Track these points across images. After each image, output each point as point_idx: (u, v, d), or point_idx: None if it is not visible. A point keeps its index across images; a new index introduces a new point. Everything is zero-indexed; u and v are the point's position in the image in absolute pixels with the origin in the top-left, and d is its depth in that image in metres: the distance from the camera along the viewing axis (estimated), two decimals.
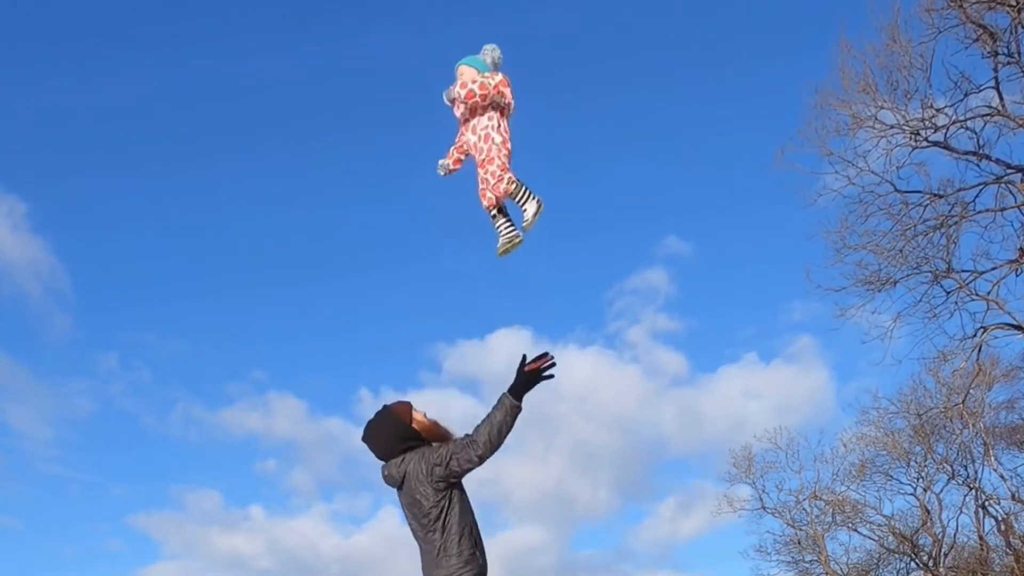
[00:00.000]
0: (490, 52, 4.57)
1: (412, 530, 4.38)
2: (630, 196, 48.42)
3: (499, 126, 4.48)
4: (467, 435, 4.26)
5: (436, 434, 4.46)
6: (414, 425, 4.42)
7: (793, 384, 38.22)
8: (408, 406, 4.50)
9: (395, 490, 4.43)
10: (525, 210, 4.42)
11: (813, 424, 51.50)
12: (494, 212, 4.52)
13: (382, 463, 4.46)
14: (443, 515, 4.24)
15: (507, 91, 4.48)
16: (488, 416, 4.18)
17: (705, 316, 46.90)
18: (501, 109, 4.51)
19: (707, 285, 46.94)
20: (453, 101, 4.50)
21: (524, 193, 4.41)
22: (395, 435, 4.38)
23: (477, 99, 4.42)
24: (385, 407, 4.50)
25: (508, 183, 4.39)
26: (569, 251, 48.11)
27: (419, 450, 4.33)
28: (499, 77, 4.48)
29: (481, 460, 4.18)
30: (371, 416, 4.51)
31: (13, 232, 38.71)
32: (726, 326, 49.21)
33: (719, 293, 47.31)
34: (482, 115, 4.51)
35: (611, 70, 48.46)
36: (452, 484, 4.25)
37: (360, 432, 4.51)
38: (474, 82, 4.41)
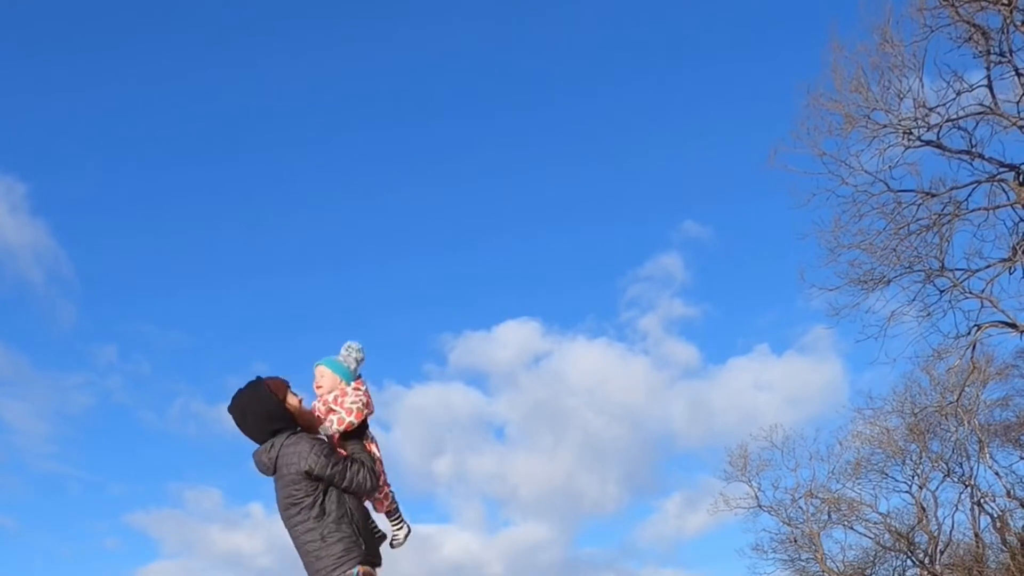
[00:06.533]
0: (355, 352, 4.50)
1: (286, 522, 4.13)
2: (645, 181, 48.14)
3: (373, 439, 4.45)
4: (352, 460, 4.14)
5: (306, 420, 4.26)
6: (288, 406, 4.20)
7: (807, 376, 37.93)
8: (284, 384, 4.28)
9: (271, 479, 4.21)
10: (396, 536, 4.53)
11: (826, 417, 51.14)
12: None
13: (254, 451, 4.23)
14: (318, 501, 4.03)
15: (371, 401, 4.45)
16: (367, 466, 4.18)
17: (722, 302, 46.56)
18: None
19: (725, 271, 46.65)
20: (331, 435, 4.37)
21: (397, 516, 4.55)
22: (266, 412, 4.14)
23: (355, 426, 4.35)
24: (258, 379, 4.25)
25: (392, 502, 4.51)
26: (579, 239, 47.83)
27: (293, 438, 4.11)
28: (363, 389, 4.43)
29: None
30: (241, 387, 4.25)
31: (12, 214, 38.31)
32: (743, 313, 48.70)
33: (737, 279, 46.99)
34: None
35: (617, 65, 48.42)
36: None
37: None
38: (350, 410, 4.31)
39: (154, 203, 49.18)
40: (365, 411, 4.35)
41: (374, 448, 4.39)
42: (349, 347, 4.50)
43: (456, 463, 42.56)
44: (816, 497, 27.61)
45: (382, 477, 4.41)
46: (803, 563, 28.46)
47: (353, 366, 4.46)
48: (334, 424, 4.28)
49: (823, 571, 27.60)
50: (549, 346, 44.38)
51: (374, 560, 4.19)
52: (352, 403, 4.32)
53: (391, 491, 4.51)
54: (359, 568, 4.00)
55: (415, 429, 43.80)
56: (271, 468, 4.13)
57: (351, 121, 49.95)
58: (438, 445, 44.35)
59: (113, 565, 40.04)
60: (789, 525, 28.27)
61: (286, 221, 50.42)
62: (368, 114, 50.49)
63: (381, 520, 4.52)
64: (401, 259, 50.84)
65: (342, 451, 4.26)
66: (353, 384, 4.42)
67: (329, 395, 4.36)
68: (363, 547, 4.06)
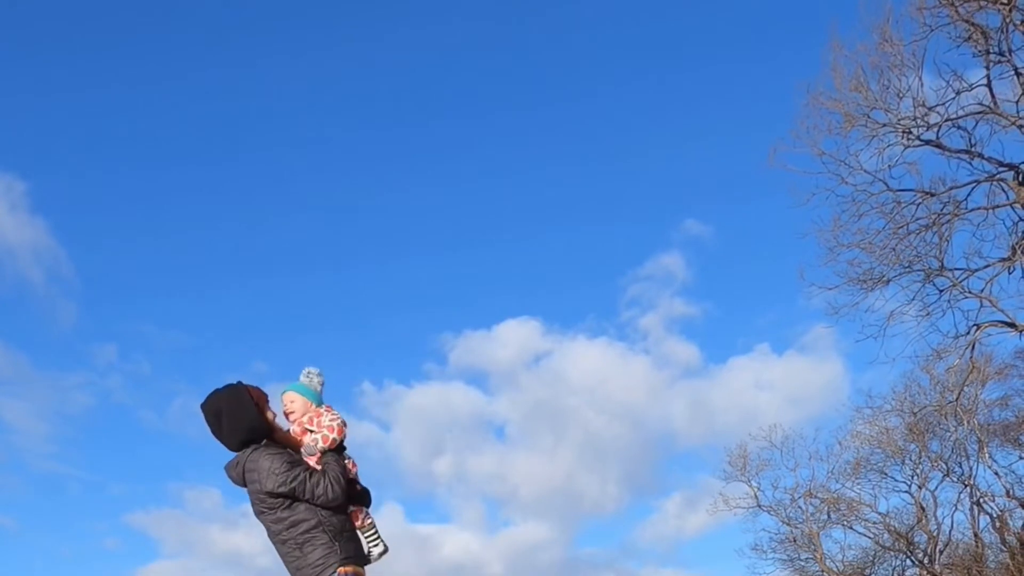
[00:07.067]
0: (315, 377, 4.49)
1: (266, 529, 4.16)
2: (645, 181, 48.08)
3: (350, 458, 4.45)
4: (312, 472, 4.06)
5: (280, 437, 4.24)
6: (265, 420, 4.17)
7: (807, 375, 37.88)
8: (265, 397, 4.23)
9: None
10: (371, 552, 4.41)
11: (827, 417, 51.00)
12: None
13: (226, 465, 4.21)
14: (289, 515, 4.02)
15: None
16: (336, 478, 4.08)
17: (723, 301, 46.52)
18: None
19: (725, 270, 46.62)
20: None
21: (374, 533, 4.46)
22: (244, 422, 4.08)
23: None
24: (241, 385, 4.17)
25: (367, 516, 4.44)
26: (579, 239, 47.83)
27: (255, 455, 4.06)
28: (335, 411, 4.43)
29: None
30: (220, 391, 4.13)
31: (11, 212, 38.20)
32: (744, 312, 48.51)
33: (738, 278, 46.97)
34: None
35: (617, 65, 48.38)
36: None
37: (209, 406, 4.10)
38: (331, 427, 4.30)
39: (154, 203, 49.28)
40: (344, 428, 4.37)
41: (349, 465, 4.40)
42: (309, 373, 4.50)
43: (456, 463, 42.65)
44: (815, 497, 27.65)
45: (357, 487, 4.40)
46: (802, 563, 28.51)
47: (319, 389, 4.48)
48: (319, 442, 4.27)
49: (822, 571, 27.60)
50: (549, 345, 44.51)
51: (359, 560, 4.18)
52: (331, 421, 4.35)
53: (367, 508, 4.51)
54: (340, 570, 4.01)
55: (415, 429, 43.88)
56: (240, 482, 4.17)
57: (351, 121, 50.04)
58: (438, 445, 44.45)
59: (113, 565, 40.10)
60: (788, 525, 28.32)
61: (286, 221, 50.54)
62: (368, 114, 50.57)
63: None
64: (401, 259, 50.92)
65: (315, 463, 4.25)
66: (325, 407, 4.46)
67: (303, 418, 4.39)
68: (340, 552, 4.05)
